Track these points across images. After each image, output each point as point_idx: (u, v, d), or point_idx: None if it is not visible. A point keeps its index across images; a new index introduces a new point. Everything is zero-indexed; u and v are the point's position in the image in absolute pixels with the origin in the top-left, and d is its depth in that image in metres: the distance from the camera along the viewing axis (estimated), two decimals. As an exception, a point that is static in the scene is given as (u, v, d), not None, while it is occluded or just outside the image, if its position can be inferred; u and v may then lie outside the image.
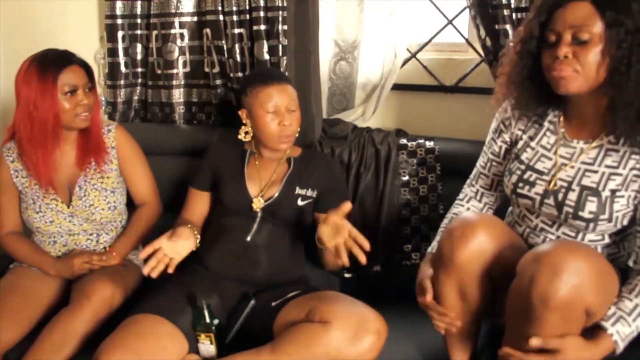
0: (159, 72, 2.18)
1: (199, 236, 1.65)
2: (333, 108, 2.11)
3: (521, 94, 1.39)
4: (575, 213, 1.32)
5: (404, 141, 1.92)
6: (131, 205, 1.91)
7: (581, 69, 1.25)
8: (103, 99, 2.25)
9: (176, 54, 2.15)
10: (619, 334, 1.23)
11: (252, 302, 1.56)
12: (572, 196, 1.32)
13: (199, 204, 1.79)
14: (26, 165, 1.75)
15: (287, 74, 1.90)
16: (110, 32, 2.18)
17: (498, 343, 1.35)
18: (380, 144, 1.91)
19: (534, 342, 1.21)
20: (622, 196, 1.29)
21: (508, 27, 1.74)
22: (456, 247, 1.33)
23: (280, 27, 1.94)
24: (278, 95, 1.67)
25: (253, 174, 1.74)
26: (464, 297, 1.38)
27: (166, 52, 2.14)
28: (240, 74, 2.05)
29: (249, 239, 1.66)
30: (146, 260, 1.52)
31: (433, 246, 1.56)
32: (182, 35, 2.13)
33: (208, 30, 2.06)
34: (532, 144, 1.43)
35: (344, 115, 2.05)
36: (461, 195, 1.61)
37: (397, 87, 2.03)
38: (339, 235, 1.42)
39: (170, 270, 1.54)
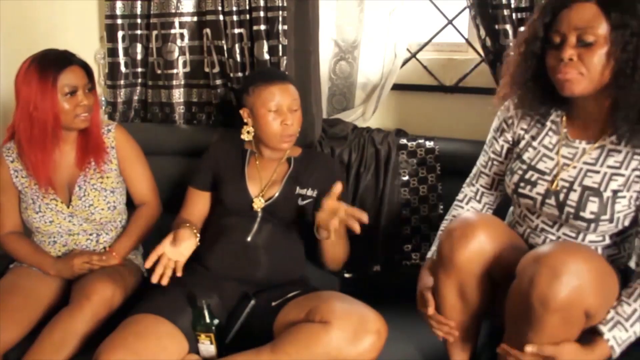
0: (159, 72, 2.18)
1: (198, 234, 1.65)
2: (333, 108, 2.11)
3: (525, 94, 1.39)
4: (577, 213, 1.31)
5: (404, 141, 1.92)
6: (131, 205, 1.91)
7: (586, 71, 1.24)
8: (103, 99, 2.25)
9: (176, 54, 2.15)
10: (616, 339, 1.23)
11: (252, 302, 1.56)
12: (574, 196, 1.32)
13: (198, 203, 1.79)
14: (26, 165, 1.75)
15: (287, 74, 1.90)
16: (110, 32, 2.18)
17: (498, 343, 1.35)
18: (380, 144, 1.91)
19: (529, 349, 1.21)
20: (624, 197, 1.29)
21: (508, 27, 1.74)
22: (456, 248, 1.33)
23: (280, 27, 1.94)
24: (280, 94, 1.67)
25: (253, 173, 1.74)
26: (464, 297, 1.38)
27: (166, 52, 2.14)
28: (240, 74, 2.05)
29: (249, 239, 1.66)
30: (152, 267, 1.53)
31: (433, 251, 1.55)
32: (182, 35, 2.13)
33: (208, 30, 2.06)
34: (534, 143, 1.43)
35: (344, 115, 2.05)
36: (460, 196, 1.60)
37: (397, 87, 2.03)
38: (336, 216, 1.44)
39: (179, 274, 1.55)
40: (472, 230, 1.33)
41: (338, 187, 1.51)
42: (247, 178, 1.73)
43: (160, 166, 1.99)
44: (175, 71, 2.16)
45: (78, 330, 1.54)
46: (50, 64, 1.67)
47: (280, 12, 1.93)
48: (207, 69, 2.13)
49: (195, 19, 2.12)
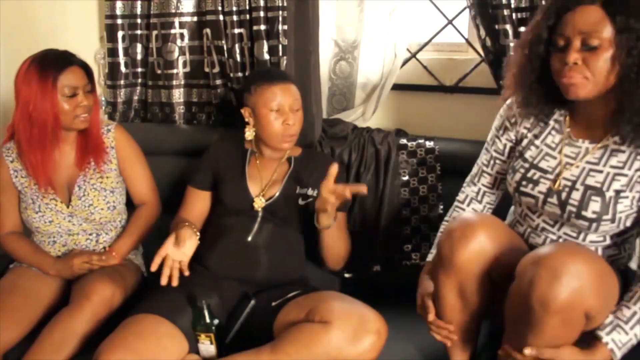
0: (159, 72, 2.18)
1: (198, 233, 1.65)
2: (333, 108, 2.11)
3: (529, 95, 1.38)
4: (579, 212, 1.31)
5: (404, 141, 1.92)
6: (130, 205, 1.91)
7: (591, 75, 1.23)
8: (103, 99, 2.25)
9: (176, 54, 2.15)
10: (615, 342, 1.23)
11: (252, 302, 1.56)
12: (576, 195, 1.32)
13: (197, 203, 1.79)
14: (25, 165, 1.75)
15: (288, 74, 1.90)
16: (110, 32, 2.18)
17: (498, 343, 1.35)
18: (380, 144, 1.91)
19: (528, 351, 1.21)
20: (627, 197, 1.29)
21: (508, 27, 1.74)
22: (456, 248, 1.33)
23: (280, 27, 1.94)
24: (282, 94, 1.67)
25: (254, 173, 1.75)
26: (464, 298, 1.38)
27: (166, 52, 2.14)
28: (240, 74, 2.05)
29: (249, 239, 1.66)
30: (158, 270, 1.54)
31: (432, 254, 1.55)
32: (182, 35, 2.13)
33: (208, 30, 2.06)
34: (537, 142, 1.42)
35: (344, 115, 2.05)
36: (461, 197, 1.59)
37: (397, 87, 2.03)
38: (334, 194, 1.49)
39: (186, 273, 1.56)
40: (472, 230, 1.33)
41: (334, 169, 1.51)
42: (248, 177, 1.73)
43: (160, 166, 1.99)
44: (175, 71, 2.16)
45: (78, 330, 1.54)
46: (50, 64, 1.67)
47: (280, 12, 1.93)
48: (207, 69, 2.13)
49: (195, 19, 2.12)
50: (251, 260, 1.65)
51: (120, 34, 2.18)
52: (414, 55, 2.05)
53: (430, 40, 2.03)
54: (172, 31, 2.12)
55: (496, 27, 1.76)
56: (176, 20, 2.11)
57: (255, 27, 1.98)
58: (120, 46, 2.19)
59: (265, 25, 1.97)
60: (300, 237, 1.76)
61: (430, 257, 1.57)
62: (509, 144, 1.50)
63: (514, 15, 1.75)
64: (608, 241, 1.35)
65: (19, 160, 1.77)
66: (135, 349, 1.40)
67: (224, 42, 2.04)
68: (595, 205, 1.29)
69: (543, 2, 1.69)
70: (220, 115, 2.15)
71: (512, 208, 1.55)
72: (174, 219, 1.76)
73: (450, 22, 1.99)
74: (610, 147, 1.32)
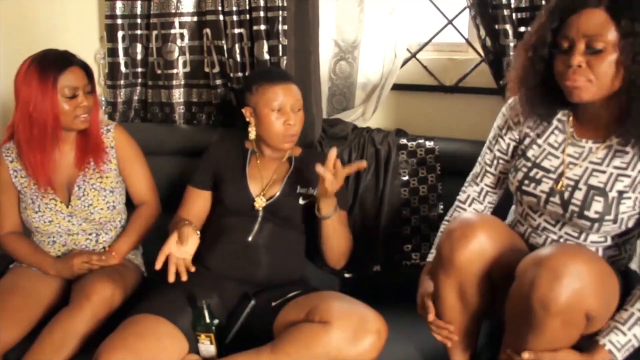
0: (159, 72, 2.18)
1: (198, 232, 1.65)
2: (333, 108, 2.11)
3: (533, 97, 1.37)
4: (581, 212, 1.31)
5: (404, 141, 1.92)
6: (130, 205, 1.91)
7: (595, 78, 1.23)
8: (103, 99, 2.25)
9: (176, 54, 2.15)
10: (612, 343, 1.22)
11: (252, 302, 1.56)
12: (579, 195, 1.32)
13: (197, 203, 1.78)
14: (25, 165, 1.75)
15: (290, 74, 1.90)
16: (110, 32, 2.18)
17: (498, 343, 1.35)
18: (380, 144, 1.91)
19: (526, 356, 1.21)
20: (629, 198, 1.28)
21: (508, 27, 1.74)
22: (456, 248, 1.33)
23: (280, 27, 1.94)
24: (284, 94, 1.68)
25: (254, 173, 1.75)
26: (464, 298, 1.38)
27: (166, 52, 2.14)
28: (240, 74, 2.05)
29: (250, 239, 1.66)
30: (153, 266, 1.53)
31: (432, 255, 1.55)
32: (182, 35, 2.13)
33: (208, 30, 2.06)
34: (539, 141, 1.42)
35: (344, 115, 2.05)
36: (462, 197, 1.59)
37: (397, 87, 2.03)
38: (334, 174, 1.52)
39: (192, 269, 1.55)
40: (472, 230, 1.32)
41: (333, 153, 1.54)
42: (248, 177, 1.73)
43: (160, 166, 1.99)
44: (175, 71, 2.16)
45: (78, 330, 1.54)
46: (51, 64, 1.67)
47: (280, 12, 1.93)
48: (207, 69, 2.13)
49: (195, 19, 2.12)
50: (251, 260, 1.65)
51: (120, 34, 2.18)
52: (414, 55, 2.05)
53: (430, 40, 2.03)
54: (172, 31, 2.12)
55: (496, 27, 1.76)
56: (176, 20, 2.11)
57: (255, 27, 1.98)
58: (120, 46, 2.19)
59: (265, 25, 1.97)
60: (301, 237, 1.76)
61: (430, 257, 1.56)
62: (512, 144, 1.49)
63: (514, 15, 1.75)
64: (609, 242, 1.35)
65: (18, 160, 1.77)
66: (135, 349, 1.40)
67: (224, 42, 2.04)
68: (597, 206, 1.29)
69: (543, 2, 1.70)
70: (220, 115, 2.15)
71: (513, 207, 1.55)
72: (173, 219, 1.76)
73: (450, 22, 1.99)
74: (614, 148, 1.31)
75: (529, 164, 1.41)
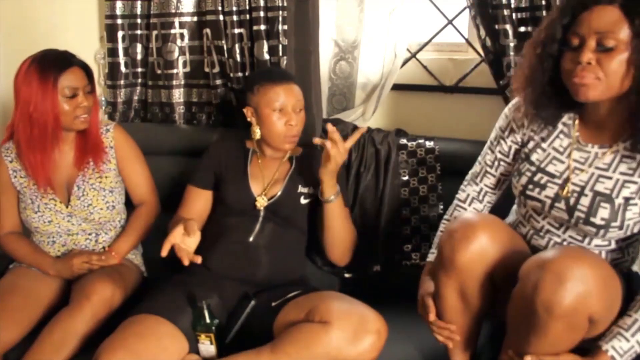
0: (159, 72, 2.18)
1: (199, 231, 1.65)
2: (333, 108, 2.11)
3: (541, 97, 1.34)
4: (587, 219, 1.29)
5: (404, 141, 1.91)
6: (130, 204, 1.91)
7: (604, 76, 1.20)
8: (103, 99, 2.25)
9: (176, 54, 2.15)
10: (615, 349, 1.22)
11: (253, 302, 1.56)
12: (585, 201, 1.30)
13: (197, 202, 1.78)
14: (24, 165, 1.75)
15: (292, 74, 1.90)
16: (110, 32, 2.18)
17: (498, 343, 1.35)
18: (380, 144, 1.91)
19: (529, 359, 1.21)
20: (635, 204, 1.27)
21: (508, 27, 1.74)
22: (457, 249, 1.32)
23: (280, 27, 1.94)
24: (285, 94, 1.68)
25: (256, 172, 1.75)
26: (465, 299, 1.38)
27: (166, 52, 2.14)
28: (240, 74, 2.05)
29: (251, 239, 1.66)
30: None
31: (433, 255, 1.54)
32: (182, 35, 2.13)
33: (208, 30, 2.06)
34: (544, 145, 1.39)
35: (344, 115, 2.05)
36: (462, 196, 1.58)
37: (397, 87, 2.03)
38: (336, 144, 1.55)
39: (199, 261, 1.53)
40: (474, 231, 1.31)
41: (330, 126, 1.57)
42: (250, 177, 1.73)
43: (160, 166, 1.99)
44: (175, 71, 2.16)
45: (78, 330, 1.54)
46: (51, 65, 1.67)
47: (280, 12, 1.93)
48: (207, 69, 2.13)
49: (195, 19, 2.11)
50: (252, 261, 1.65)
51: (120, 34, 2.18)
52: (414, 55, 2.05)
53: (430, 40, 2.03)
54: (172, 31, 2.12)
55: (496, 27, 1.76)
56: (176, 20, 2.11)
57: (255, 27, 1.97)
58: (120, 46, 2.19)
59: (265, 25, 1.97)
60: (302, 237, 1.76)
61: (431, 257, 1.56)
62: (514, 146, 1.47)
63: (514, 15, 1.75)
64: (613, 245, 1.34)
65: (18, 161, 1.77)
66: (135, 350, 1.40)
67: (224, 42, 2.04)
68: (604, 212, 1.27)
69: (543, 2, 1.70)
70: (220, 115, 2.15)
71: (515, 207, 1.54)
72: (173, 218, 1.76)
73: (450, 22, 1.99)
74: (620, 153, 1.29)
75: (533, 169, 1.39)
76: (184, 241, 1.54)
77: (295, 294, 1.58)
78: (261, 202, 1.69)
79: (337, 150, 1.56)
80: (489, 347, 1.49)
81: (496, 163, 1.51)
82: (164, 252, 1.51)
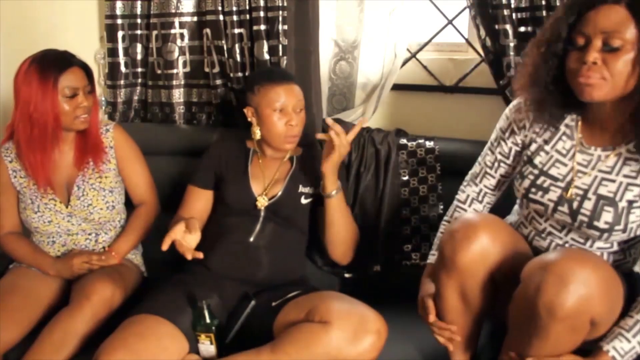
0: (159, 72, 2.18)
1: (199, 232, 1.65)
2: (333, 108, 2.11)
3: (544, 97, 1.32)
4: (590, 222, 1.29)
5: (404, 141, 1.91)
6: (129, 204, 1.91)
7: (609, 76, 1.18)
8: (103, 99, 2.25)
9: (176, 54, 2.15)
10: (616, 349, 1.22)
11: (253, 302, 1.56)
12: (588, 205, 1.29)
13: (198, 202, 1.78)
14: (24, 165, 1.75)
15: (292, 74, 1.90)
16: (110, 32, 2.18)
17: (498, 343, 1.35)
18: (380, 144, 1.91)
19: None
20: (639, 207, 1.26)
21: (508, 27, 1.74)
22: (458, 249, 1.31)
23: (280, 27, 1.94)
24: (286, 95, 1.68)
25: (257, 172, 1.75)
26: (465, 299, 1.37)
27: (166, 52, 2.14)
28: (240, 74, 2.05)
29: (252, 239, 1.66)
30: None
31: (434, 255, 1.53)
32: (182, 35, 2.13)
33: (208, 30, 2.06)
34: (547, 147, 1.38)
35: (344, 115, 2.05)
36: (462, 197, 1.57)
37: (397, 87, 2.03)
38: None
39: (201, 256, 1.53)
40: (475, 231, 1.31)
41: (329, 120, 1.59)
42: (251, 177, 1.73)
43: (160, 166, 1.99)
44: (175, 71, 2.16)
45: (78, 330, 1.54)
46: (51, 65, 1.67)
47: (280, 12, 1.93)
48: (207, 69, 2.13)
49: (195, 19, 2.11)
50: (252, 261, 1.65)
51: (120, 34, 2.18)
52: (414, 55, 2.05)
53: (430, 40, 2.03)
54: (172, 31, 2.12)
55: (496, 27, 1.76)
56: (176, 20, 2.11)
57: (255, 27, 1.97)
58: (120, 46, 2.19)
59: (265, 25, 1.96)
60: (302, 237, 1.77)
61: (431, 259, 1.55)
62: (514, 148, 1.46)
63: (514, 15, 1.75)
64: (615, 247, 1.34)
65: (17, 161, 1.77)
66: (135, 350, 1.40)
67: (224, 42, 2.04)
68: (607, 216, 1.27)
69: (543, 2, 1.70)
70: (220, 115, 2.15)
71: (516, 207, 1.53)
72: (173, 218, 1.75)
73: (450, 22, 1.99)
74: (623, 155, 1.28)
75: (536, 172, 1.38)
76: (185, 238, 1.54)
77: (295, 294, 1.58)
78: (262, 202, 1.69)
79: (341, 141, 1.57)
80: (489, 347, 1.48)
81: (496, 164, 1.50)
82: (165, 246, 1.51)
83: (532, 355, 1.22)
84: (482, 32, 1.81)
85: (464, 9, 1.94)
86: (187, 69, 2.17)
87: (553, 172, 1.36)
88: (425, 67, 2.04)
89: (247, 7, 1.97)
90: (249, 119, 1.74)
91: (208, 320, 1.48)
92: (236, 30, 2.01)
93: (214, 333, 1.48)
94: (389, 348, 1.42)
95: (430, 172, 1.89)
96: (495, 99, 1.89)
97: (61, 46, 1.76)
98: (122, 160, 1.85)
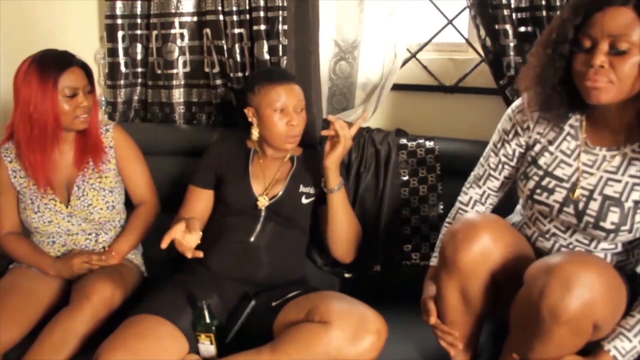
0: (159, 72, 2.18)
1: (200, 232, 1.65)
2: (333, 108, 2.11)
3: (551, 98, 1.31)
4: (597, 223, 1.28)
5: (404, 141, 1.91)
6: (129, 204, 1.91)
7: (616, 79, 1.17)
8: (103, 99, 2.25)
9: (176, 54, 2.15)
10: (617, 349, 1.22)
11: (253, 302, 1.56)
12: (594, 206, 1.28)
13: (199, 202, 1.78)
14: (24, 165, 1.75)
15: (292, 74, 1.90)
16: (110, 32, 2.18)
17: (499, 343, 1.35)
18: (380, 144, 1.91)
19: None
20: None
21: (508, 27, 1.74)
22: (459, 250, 1.31)
23: (280, 27, 1.94)
24: (287, 95, 1.68)
25: (257, 172, 1.75)
26: (466, 300, 1.37)
27: (166, 52, 2.14)
28: (240, 74, 2.05)
29: (252, 239, 1.66)
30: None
31: (436, 257, 1.53)
32: (182, 35, 2.13)
33: (208, 30, 2.06)
34: (551, 148, 1.37)
35: (344, 115, 2.05)
36: (464, 199, 1.56)
37: (397, 87, 2.03)
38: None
39: (201, 255, 1.53)
40: (476, 232, 1.30)
41: (332, 117, 1.63)
42: (251, 176, 1.73)
43: (160, 166, 1.99)
44: (175, 71, 2.16)
45: (78, 330, 1.54)
46: (51, 65, 1.67)
47: (280, 12, 1.93)
48: (207, 69, 2.13)
49: (195, 19, 2.11)
50: (253, 261, 1.65)
51: (120, 34, 2.18)
52: (414, 55, 2.05)
53: (430, 40, 2.03)
54: (172, 31, 2.12)
55: (496, 27, 1.76)
56: (176, 20, 2.11)
57: (255, 27, 1.97)
58: (120, 46, 2.19)
59: (265, 25, 1.96)
60: (302, 236, 1.77)
61: (434, 261, 1.54)
62: (518, 149, 1.45)
63: (514, 15, 1.75)
64: (619, 248, 1.33)
65: (17, 161, 1.77)
66: (135, 350, 1.40)
67: (224, 42, 2.04)
68: (614, 216, 1.26)
69: (543, 2, 1.70)
70: (220, 115, 2.15)
71: (519, 207, 1.52)
72: (174, 219, 1.75)
73: (450, 22, 1.99)
74: (628, 156, 1.28)
75: (541, 173, 1.37)
76: (185, 238, 1.54)
77: (295, 294, 1.58)
78: (262, 202, 1.69)
79: (345, 134, 1.59)
80: (490, 347, 1.48)
81: (500, 166, 1.49)
82: (164, 245, 1.51)
83: (534, 358, 1.22)
84: (482, 32, 1.81)
85: (464, 9, 1.94)
86: (187, 69, 2.17)
87: (558, 172, 1.35)
88: (425, 67, 2.04)
89: (247, 7, 1.97)
90: (250, 120, 1.74)
91: (208, 320, 1.48)
92: (236, 30, 2.01)
93: (214, 333, 1.48)
94: (389, 348, 1.42)
95: (430, 172, 1.89)
96: (495, 99, 1.89)
97: (61, 46, 1.76)
98: (122, 160, 1.85)
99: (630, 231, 1.27)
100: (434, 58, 2.06)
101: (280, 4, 1.92)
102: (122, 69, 2.21)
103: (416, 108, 2.08)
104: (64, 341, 1.53)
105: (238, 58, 2.03)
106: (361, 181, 1.91)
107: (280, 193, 1.71)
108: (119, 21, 2.17)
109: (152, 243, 1.77)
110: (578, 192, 1.31)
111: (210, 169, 1.78)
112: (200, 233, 1.59)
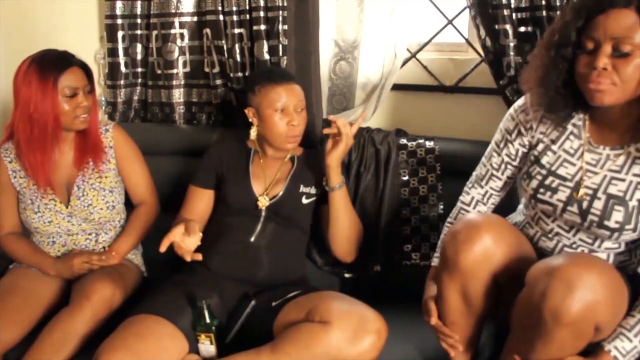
0: (159, 72, 2.18)
1: (200, 233, 1.65)
2: (333, 108, 2.11)
3: (555, 99, 1.30)
4: (601, 222, 1.28)
5: (404, 141, 1.91)
6: (129, 204, 1.91)
7: (620, 82, 1.18)
8: (103, 99, 2.25)
9: (176, 54, 2.15)
10: (618, 349, 1.22)
11: (253, 302, 1.56)
12: (598, 205, 1.28)
13: (200, 202, 1.78)
14: (24, 165, 1.75)
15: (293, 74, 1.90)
16: (110, 32, 2.18)
17: (500, 344, 1.35)
18: (380, 144, 1.91)
19: None
20: None
21: (508, 27, 1.74)
22: (460, 251, 1.30)
23: (280, 27, 1.94)
24: (287, 95, 1.68)
25: (258, 172, 1.75)
26: (467, 300, 1.37)
27: (166, 52, 2.14)
28: (240, 74, 2.04)
29: (252, 239, 1.66)
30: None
31: (438, 258, 1.52)
32: (182, 35, 2.13)
33: (208, 30, 2.06)
34: (554, 147, 1.37)
35: (344, 115, 2.05)
36: (466, 199, 1.55)
37: (397, 87, 2.03)
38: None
39: (200, 258, 1.53)
40: (477, 232, 1.30)
41: (332, 117, 1.64)
42: (252, 176, 1.73)
43: (160, 166, 1.99)
44: (175, 71, 2.16)
45: (78, 330, 1.54)
46: (50, 65, 1.67)
47: (280, 12, 1.93)
48: (207, 69, 2.13)
49: (195, 19, 2.11)
50: (253, 261, 1.65)
51: (120, 34, 2.18)
52: (414, 55, 2.05)
53: (430, 40, 2.03)
54: (172, 31, 2.12)
55: (496, 27, 1.76)
56: (176, 20, 2.11)
57: (255, 27, 1.97)
58: (120, 46, 2.19)
59: (265, 25, 1.96)
60: (303, 237, 1.77)
61: (435, 262, 1.53)
62: (521, 149, 1.44)
63: (514, 15, 1.75)
64: (622, 248, 1.33)
65: (17, 161, 1.77)
66: (135, 350, 1.40)
67: (224, 42, 2.04)
68: (618, 215, 1.26)
69: (543, 2, 1.69)
70: (220, 115, 2.15)
71: (521, 207, 1.52)
72: (175, 219, 1.75)
73: (450, 22, 1.99)
74: (632, 155, 1.27)
75: (544, 172, 1.36)
76: (184, 240, 1.54)
77: (295, 294, 1.58)
78: (263, 202, 1.69)
79: (347, 132, 1.60)
80: (490, 348, 1.48)
81: (503, 166, 1.49)
82: (162, 248, 1.51)
83: (535, 359, 1.22)
84: (482, 32, 1.81)
85: (464, 9, 1.94)
86: (187, 69, 2.17)
87: (561, 172, 1.35)
88: (425, 67, 2.04)
89: (247, 7, 1.97)
90: (250, 120, 1.74)
91: (208, 320, 1.48)
92: (236, 30, 2.01)
93: (214, 333, 1.48)
94: (389, 348, 1.42)
95: (430, 172, 1.89)
96: (495, 99, 1.89)
97: (61, 46, 1.76)
98: (121, 160, 1.85)
99: (634, 230, 1.27)
100: (434, 58, 2.06)
101: (280, 4, 1.92)
102: (122, 69, 2.21)
103: (416, 108, 2.08)
104: (64, 341, 1.53)
105: (238, 58, 2.03)
106: (361, 181, 1.91)
107: (281, 193, 1.71)
108: (119, 21, 2.17)
109: (152, 243, 1.76)
110: (582, 191, 1.31)
111: (211, 169, 1.78)
112: (200, 235, 1.58)
